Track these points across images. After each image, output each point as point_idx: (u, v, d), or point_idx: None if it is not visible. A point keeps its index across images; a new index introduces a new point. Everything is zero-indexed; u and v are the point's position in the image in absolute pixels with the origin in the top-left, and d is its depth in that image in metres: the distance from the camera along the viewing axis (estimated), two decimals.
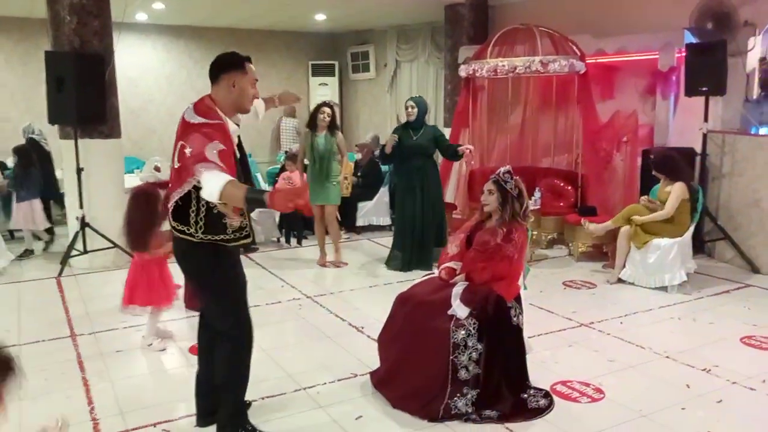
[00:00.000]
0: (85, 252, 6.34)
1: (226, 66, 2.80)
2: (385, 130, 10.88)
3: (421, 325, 3.34)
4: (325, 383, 3.58)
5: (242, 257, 6.27)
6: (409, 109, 5.98)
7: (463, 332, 3.21)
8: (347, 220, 7.63)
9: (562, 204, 6.85)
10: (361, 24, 11.07)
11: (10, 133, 8.51)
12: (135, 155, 9.85)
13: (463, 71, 7.01)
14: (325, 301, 5.11)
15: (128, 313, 4.19)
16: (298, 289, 5.47)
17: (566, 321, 4.61)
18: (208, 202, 2.67)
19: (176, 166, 2.69)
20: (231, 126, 2.81)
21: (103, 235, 6.19)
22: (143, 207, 3.89)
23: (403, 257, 6.04)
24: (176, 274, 3.48)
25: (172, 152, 2.77)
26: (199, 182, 2.58)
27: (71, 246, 6.30)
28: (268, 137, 11.74)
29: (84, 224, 6.32)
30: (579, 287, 5.48)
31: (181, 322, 4.54)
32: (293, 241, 7.25)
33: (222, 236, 2.76)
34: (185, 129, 2.71)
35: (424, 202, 5.98)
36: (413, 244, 6.00)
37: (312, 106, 11.91)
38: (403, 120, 6.26)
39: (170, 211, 2.77)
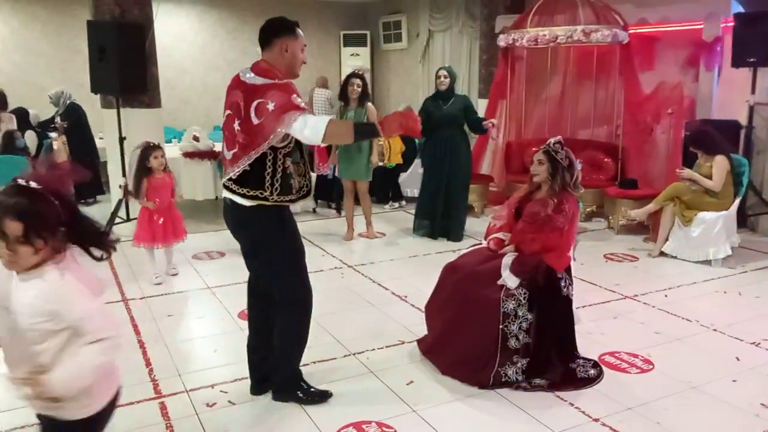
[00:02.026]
0: (128, 220, 6.46)
1: (279, 30, 2.81)
2: (417, 101, 10.77)
3: (470, 294, 3.37)
4: (373, 349, 3.65)
5: None
6: (442, 78, 5.91)
7: (513, 302, 3.23)
8: (393, 190, 7.75)
9: (602, 177, 6.79)
10: None
11: (47, 102, 8.63)
12: (170, 125, 9.94)
13: (502, 41, 6.92)
14: (366, 271, 5.16)
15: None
16: (338, 258, 5.53)
17: (610, 293, 4.60)
18: (284, 162, 2.73)
19: (255, 123, 2.63)
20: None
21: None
22: (140, 161, 4.81)
23: (429, 226, 6.11)
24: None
25: (230, 118, 2.75)
26: (284, 134, 2.63)
27: (114, 213, 6.42)
28: None
29: (127, 192, 6.42)
30: (621, 260, 5.45)
31: (229, 288, 4.64)
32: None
33: (290, 196, 2.82)
34: (255, 90, 2.67)
35: (452, 172, 5.94)
36: (438, 215, 6.03)
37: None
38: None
39: (234, 177, 2.75)
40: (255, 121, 2.64)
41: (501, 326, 3.24)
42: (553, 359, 3.28)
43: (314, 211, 7.39)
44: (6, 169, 6.47)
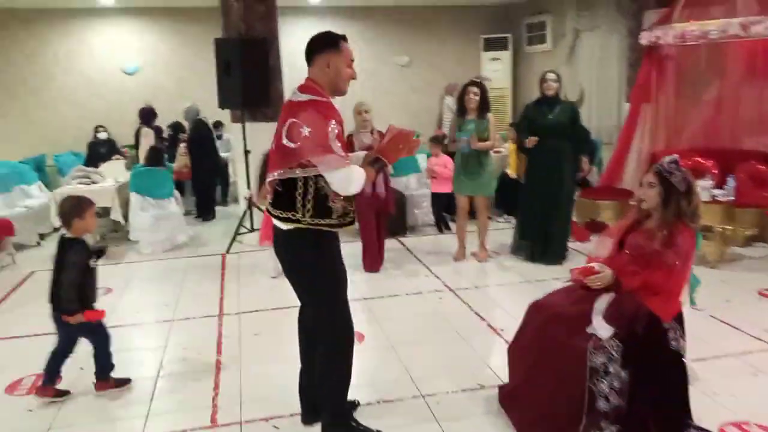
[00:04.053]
0: (253, 230, 6.66)
1: (319, 46, 2.69)
2: (583, 104, 10.04)
3: (555, 341, 2.88)
4: (447, 392, 3.29)
5: (395, 240, 6.30)
6: (550, 82, 5.33)
7: (603, 356, 2.70)
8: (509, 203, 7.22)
9: (765, 194, 5.72)
10: None
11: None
12: None
13: (644, 38, 6.13)
14: (468, 296, 4.77)
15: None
16: (442, 279, 5.19)
17: (756, 342, 3.78)
18: (316, 182, 2.58)
19: (285, 143, 2.55)
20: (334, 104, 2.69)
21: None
22: (261, 167, 4.98)
23: (528, 247, 5.57)
24: None
25: (277, 133, 2.64)
26: (318, 171, 2.54)
27: (240, 224, 6.65)
28: (435, 115, 11.50)
29: (251, 203, 6.63)
30: None
31: None
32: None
33: (328, 220, 2.64)
34: (294, 108, 2.59)
35: (556, 187, 5.33)
36: (540, 235, 5.45)
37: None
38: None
39: (271, 199, 2.70)
40: (287, 142, 2.55)
41: (587, 384, 2.72)
42: (652, 429, 2.70)
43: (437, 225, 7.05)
44: (151, 181, 6.98)
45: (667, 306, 2.78)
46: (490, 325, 4.17)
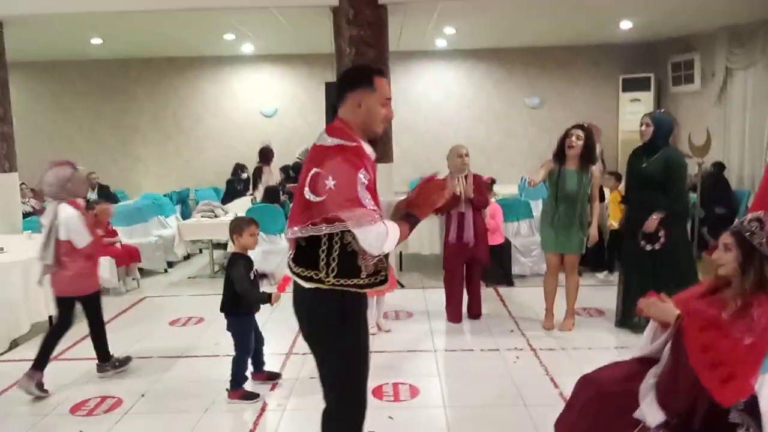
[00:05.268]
0: None
1: (351, 83, 2.40)
2: (713, 150, 9.10)
3: (598, 424, 2.48)
4: None
5: (493, 289, 5.94)
6: (644, 127, 4.62)
7: None
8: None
9: None
10: (681, 29, 9.48)
11: None
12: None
13: None
14: (550, 358, 4.33)
15: None
16: (526, 336, 4.78)
17: None
18: (342, 239, 2.28)
19: (307, 197, 2.25)
20: (367, 149, 2.37)
21: None
22: None
23: (626, 314, 4.80)
24: None
25: (299, 183, 2.39)
26: (345, 227, 2.24)
27: None
28: None
29: None
30: None
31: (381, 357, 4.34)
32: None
33: (355, 280, 2.32)
34: (319, 154, 2.30)
35: (653, 249, 4.59)
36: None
37: (622, 128, 10.77)
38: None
39: (291, 255, 2.43)
40: (309, 195, 2.25)
41: None
42: None
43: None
44: (265, 217, 7.30)
45: (727, 388, 2.25)
46: (561, 394, 3.72)
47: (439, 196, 2.42)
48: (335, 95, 2.46)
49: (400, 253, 7.25)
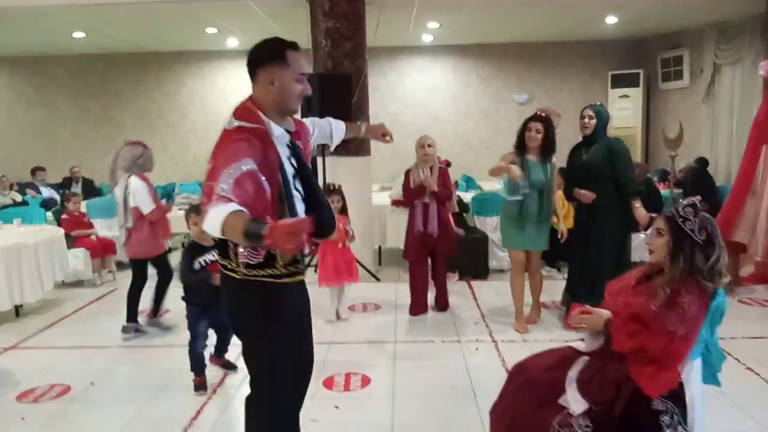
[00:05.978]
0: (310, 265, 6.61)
1: (261, 58, 2.19)
2: (699, 147, 9.08)
3: (524, 411, 2.42)
4: None
5: (465, 282, 5.90)
6: (586, 119, 4.47)
7: None
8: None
9: None
10: (670, 25, 9.41)
11: None
12: None
13: (762, 69, 5.25)
14: (509, 350, 4.24)
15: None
16: (490, 328, 4.72)
17: None
18: None
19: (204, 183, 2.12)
20: (276, 130, 2.19)
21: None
22: None
23: (568, 302, 4.70)
24: None
25: None
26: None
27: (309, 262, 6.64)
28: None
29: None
30: None
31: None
32: None
33: (270, 270, 2.17)
34: (220, 138, 2.16)
35: (595, 240, 4.47)
36: (583, 294, 4.33)
37: (611, 124, 10.71)
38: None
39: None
40: (204, 182, 2.09)
41: None
42: None
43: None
44: None
45: (656, 379, 2.20)
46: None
47: (292, 243, 1.81)
48: (248, 71, 2.25)
49: (379, 247, 7.20)
